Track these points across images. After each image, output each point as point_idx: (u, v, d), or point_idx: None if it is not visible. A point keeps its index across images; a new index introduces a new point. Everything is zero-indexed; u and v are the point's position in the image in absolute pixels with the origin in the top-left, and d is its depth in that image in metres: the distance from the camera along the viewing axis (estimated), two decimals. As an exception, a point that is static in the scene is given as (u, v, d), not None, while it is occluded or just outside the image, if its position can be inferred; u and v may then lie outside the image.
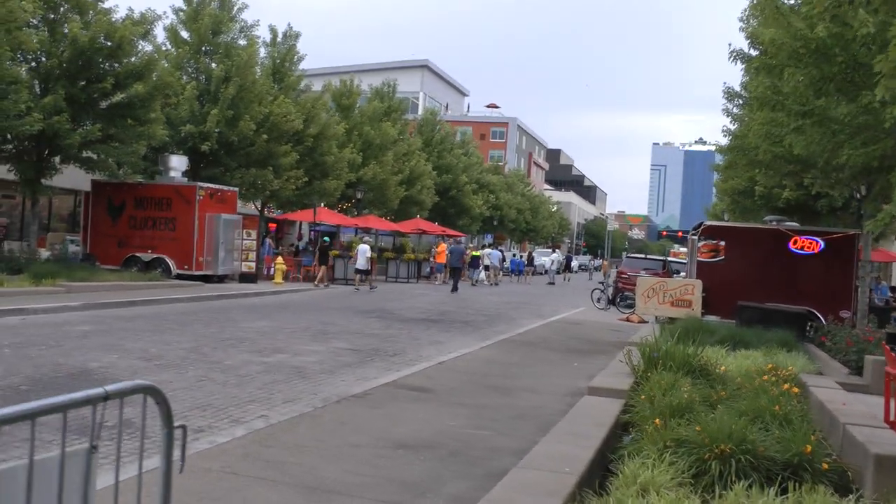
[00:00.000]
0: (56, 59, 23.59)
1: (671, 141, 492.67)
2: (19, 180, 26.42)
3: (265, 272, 31.34)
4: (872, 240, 22.71)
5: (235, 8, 32.66)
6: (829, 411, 8.69)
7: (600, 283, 31.29)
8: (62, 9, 24.80)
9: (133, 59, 25.26)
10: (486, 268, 45.25)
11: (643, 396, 8.78)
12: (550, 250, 76.63)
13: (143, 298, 19.86)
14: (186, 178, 28.50)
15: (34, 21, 23.22)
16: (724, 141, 25.02)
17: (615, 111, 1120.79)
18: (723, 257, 21.92)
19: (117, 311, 17.87)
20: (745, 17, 18.63)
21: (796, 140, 16.13)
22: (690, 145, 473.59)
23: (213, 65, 31.34)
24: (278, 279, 29.04)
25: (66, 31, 24.17)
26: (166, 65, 28.84)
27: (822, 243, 20.79)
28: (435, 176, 52.11)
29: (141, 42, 26.06)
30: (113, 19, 24.89)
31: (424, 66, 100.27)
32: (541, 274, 60.77)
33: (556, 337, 18.04)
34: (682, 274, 31.04)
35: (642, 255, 44.18)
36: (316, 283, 31.38)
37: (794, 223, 23.15)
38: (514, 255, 60.47)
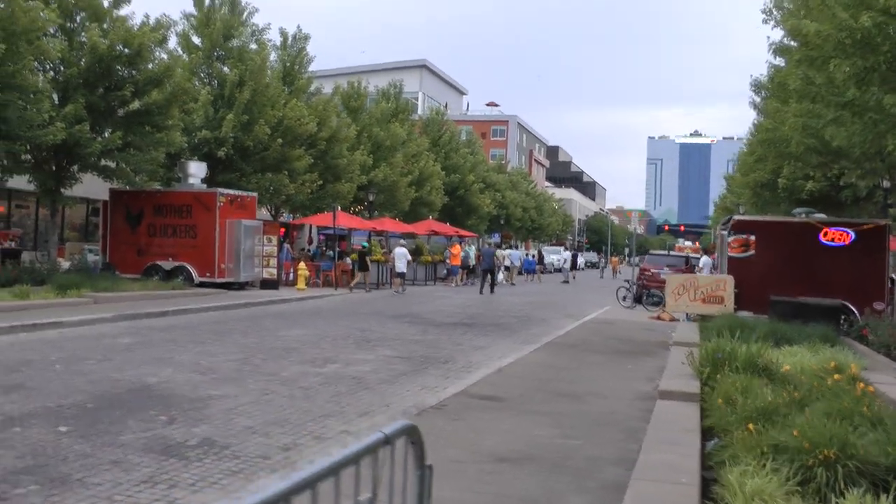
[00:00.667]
0: (75, 68, 23.38)
1: (666, 134, 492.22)
2: (39, 190, 26.23)
3: (284, 278, 31.11)
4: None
5: (245, 13, 32.46)
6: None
7: (626, 281, 31.03)
8: (78, 17, 24.63)
9: (150, 65, 25.07)
10: (507, 268, 45.16)
11: (720, 400, 8.61)
12: (561, 248, 76.53)
13: (173, 308, 19.63)
14: (205, 185, 28.27)
15: (51, 30, 23.00)
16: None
17: (606, 106, 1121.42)
18: (753, 252, 21.75)
19: (150, 322, 17.66)
20: (767, 10, 18.49)
21: (836, 131, 16.00)
22: (686, 137, 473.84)
23: (226, 69, 31.14)
24: (301, 285, 28.81)
25: (84, 39, 24.01)
26: (181, 71, 28.63)
27: (852, 234, 20.58)
28: (443, 176, 51.89)
29: (156, 49, 25.89)
30: (129, 25, 24.70)
31: (423, 66, 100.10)
32: (550, 272, 60.66)
33: (596, 338, 17.83)
34: (701, 268, 30.89)
35: (664, 252, 43.98)
36: (351, 286, 32.17)
37: (821, 214, 22.97)
38: (527, 255, 60.28)
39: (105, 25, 24.31)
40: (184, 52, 31.07)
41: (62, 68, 23.45)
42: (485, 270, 36.69)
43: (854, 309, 19.45)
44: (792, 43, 16.79)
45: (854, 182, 23.46)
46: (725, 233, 22.78)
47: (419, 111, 73.38)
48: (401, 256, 33.52)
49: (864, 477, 6.39)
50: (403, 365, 13.10)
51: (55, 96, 22.92)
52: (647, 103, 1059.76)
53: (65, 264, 27.30)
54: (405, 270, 34.04)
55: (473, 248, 50.62)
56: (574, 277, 55.01)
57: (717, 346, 11.11)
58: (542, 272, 56.79)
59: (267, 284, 28.25)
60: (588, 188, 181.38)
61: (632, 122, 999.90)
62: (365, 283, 32.69)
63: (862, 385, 9.28)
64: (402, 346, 15.55)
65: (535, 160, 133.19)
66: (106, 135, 24.24)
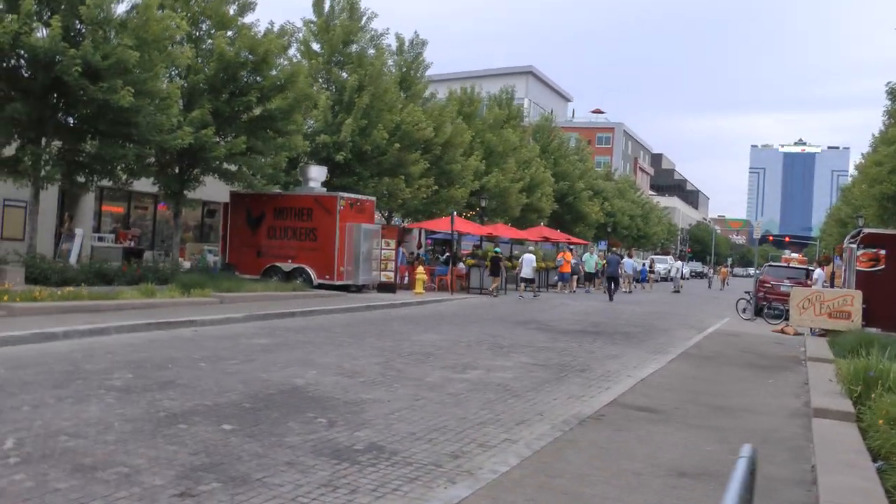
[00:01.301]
0: (202, 74, 23.86)
1: (770, 143, 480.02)
2: (163, 193, 26.87)
3: (399, 281, 31.17)
4: None
5: (365, 17, 32.69)
6: None
7: (746, 292, 30.11)
8: (204, 25, 25.14)
9: (273, 71, 25.40)
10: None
11: (880, 421, 8.18)
12: (667, 257, 75.35)
13: (300, 310, 19.75)
14: (325, 189, 28.55)
15: (177, 38, 23.50)
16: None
17: (708, 111, 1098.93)
18: (883, 266, 20.82)
19: (280, 323, 17.78)
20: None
21: None
22: (790, 146, 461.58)
23: (345, 74, 31.42)
24: (419, 289, 28.79)
25: (210, 46, 24.49)
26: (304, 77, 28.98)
27: None
28: (553, 182, 51.48)
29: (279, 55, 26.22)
30: (254, 33, 25.09)
31: (529, 73, 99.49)
32: (657, 281, 59.78)
33: (729, 351, 17.25)
34: (815, 280, 29.73)
35: (785, 264, 42.62)
36: (491, 290, 32.99)
37: None
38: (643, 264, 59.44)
39: (230, 33, 24.75)
40: (303, 58, 31.46)
41: (189, 75, 23.93)
42: (609, 278, 36.73)
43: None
44: None
45: None
46: (854, 246, 21.86)
47: (527, 117, 73.11)
48: (527, 263, 34.02)
49: None
50: (543, 372, 12.81)
51: (181, 102, 23.43)
52: (746, 108, 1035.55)
53: (185, 264, 27.91)
54: (533, 276, 34.61)
55: (595, 255, 50.14)
56: (682, 287, 54.07)
57: (866, 364, 10.62)
58: (653, 281, 56.31)
59: (384, 288, 28.32)
60: (691, 196, 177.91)
61: (734, 128, 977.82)
62: (500, 288, 33.66)
63: None
64: (535, 352, 15.27)
65: (640, 168, 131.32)
66: (229, 139, 24.66)
